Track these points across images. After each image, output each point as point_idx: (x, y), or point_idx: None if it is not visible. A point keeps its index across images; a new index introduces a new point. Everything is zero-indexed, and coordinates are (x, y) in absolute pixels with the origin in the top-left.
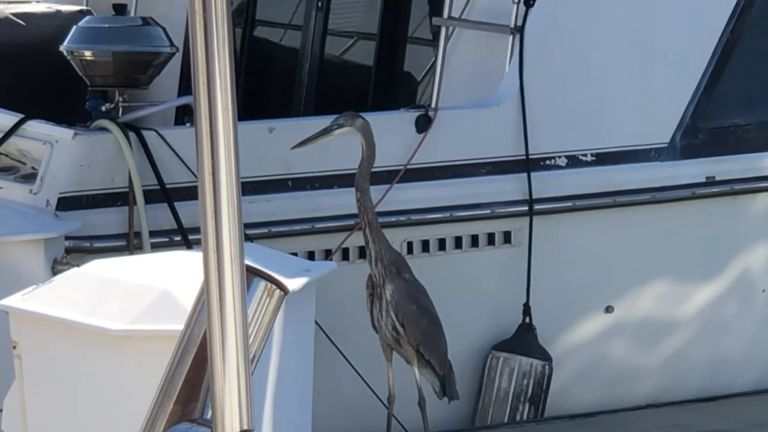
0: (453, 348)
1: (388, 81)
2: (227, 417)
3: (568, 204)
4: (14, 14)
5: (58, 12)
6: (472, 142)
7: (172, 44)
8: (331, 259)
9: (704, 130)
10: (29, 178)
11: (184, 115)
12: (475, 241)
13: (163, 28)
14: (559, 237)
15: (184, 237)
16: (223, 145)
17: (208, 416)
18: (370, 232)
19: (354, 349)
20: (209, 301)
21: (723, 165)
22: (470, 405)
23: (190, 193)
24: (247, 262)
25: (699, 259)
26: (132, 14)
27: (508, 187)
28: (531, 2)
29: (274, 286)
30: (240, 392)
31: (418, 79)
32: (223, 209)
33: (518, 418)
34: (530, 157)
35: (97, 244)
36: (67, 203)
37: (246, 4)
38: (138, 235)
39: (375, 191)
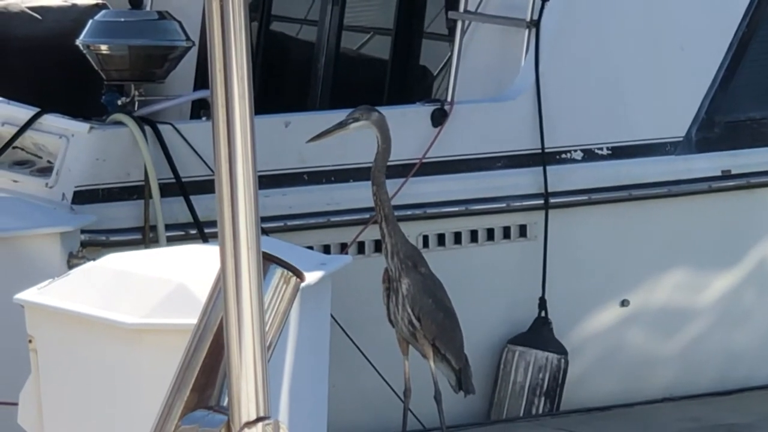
0: (469, 341)
1: (403, 75)
2: (244, 404)
3: (584, 198)
4: (30, 8)
5: (74, 6)
6: (488, 136)
7: (188, 38)
8: (346, 253)
9: (720, 123)
10: (45, 171)
11: (200, 109)
12: (490, 234)
13: (179, 22)
14: (575, 230)
15: (199, 230)
16: (240, 133)
17: (225, 403)
18: (386, 225)
19: (370, 343)
20: (226, 288)
21: (739, 159)
22: (486, 399)
23: (206, 186)
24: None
25: (715, 253)
26: (148, 8)
27: (523, 181)
28: None
29: (290, 273)
30: (256, 379)
31: (434, 73)
32: (240, 197)
33: (534, 411)
34: (546, 150)
35: (113, 238)
36: (82, 197)
37: None
38: (154, 228)
39: (390, 185)
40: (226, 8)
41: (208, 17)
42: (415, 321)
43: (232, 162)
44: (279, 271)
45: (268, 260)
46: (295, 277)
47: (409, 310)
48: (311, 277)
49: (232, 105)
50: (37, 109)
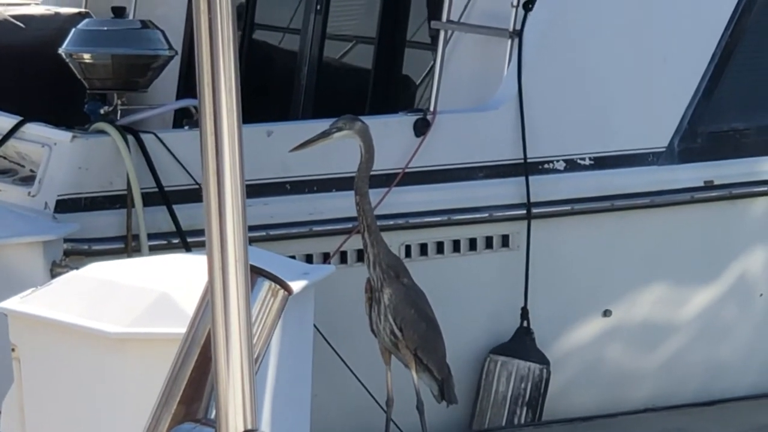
0: (451, 351)
1: (386, 84)
2: (231, 417)
3: (566, 208)
4: (13, 16)
5: (57, 14)
6: (471, 146)
7: (170, 47)
8: (329, 263)
9: (703, 134)
10: (28, 180)
11: (183, 118)
12: (473, 244)
13: (162, 31)
14: (557, 241)
15: (182, 239)
16: (228, 145)
17: (212, 416)
18: (368, 235)
19: (352, 353)
20: (213, 301)
21: (721, 169)
22: (468, 408)
23: (189, 195)
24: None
25: (697, 264)
26: (131, 17)
27: (506, 191)
28: (530, 6)
29: (278, 286)
30: (244, 392)
31: (417, 83)
32: (228, 209)
33: (516, 421)
34: (528, 160)
35: (96, 247)
36: (65, 206)
37: (245, 7)
38: (136, 237)
39: (373, 194)
40: (214, 21)
41: (197, 30)
42: (397, 331)
43: (220, 175)
44: (266, 284)
45: (255, 273)
46: (282, 290)
47: (391, 321)
48: (294, 286)
49: (220, 118)
50: (20, 118)
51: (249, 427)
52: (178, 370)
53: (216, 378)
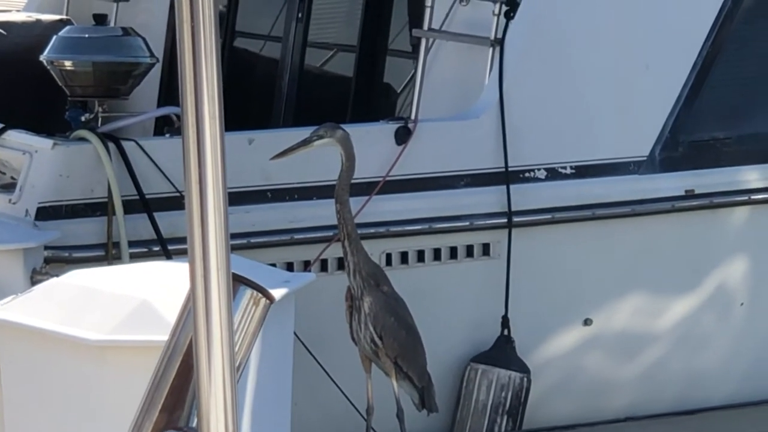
0: (431, 360)
1: (367, 92)
2: (213, 425)
3: (547, 216)
4: None
5: (39, 21)
6: (452, 154)
7: (152, 55)
8: (309, 271)
9: (684, 143)
10: (8, 187)
11: (164, 126)
12: (453, 253)
13: (144, 39)
14: (538, 249)
15: (163, 247)
16: (210, 154)
17: (194, 424)
18: (348, 243)
19: (333, 361)
20: (196, 309)
21: (702, 178)
22: (448, 417)
23: (170, 203)
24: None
25: (677, 273)
26: (112, 24)
27: (487, 200)
28: (511, 14)
29: (260, 295)
30: (226, 400)
31: (398, 91)
32: (210, 217)
33: (496, 430)
34: (509, 169)
35: (76, 254)
36: (46, 213)
37: (226, 15)
38: (117, 245)
39: (354, 203)
40: (197, 29)
41: (179, 38)
42: (377, 339)
43: (203, 183)
44: (248, 293)
45: (237, 281)
46: (264, 299)
47: (372, 329)
48: (275, 294)
49: (203, 126)
50: (1, 125)
51: None
52: (159, 378)
53: (198, 386)
